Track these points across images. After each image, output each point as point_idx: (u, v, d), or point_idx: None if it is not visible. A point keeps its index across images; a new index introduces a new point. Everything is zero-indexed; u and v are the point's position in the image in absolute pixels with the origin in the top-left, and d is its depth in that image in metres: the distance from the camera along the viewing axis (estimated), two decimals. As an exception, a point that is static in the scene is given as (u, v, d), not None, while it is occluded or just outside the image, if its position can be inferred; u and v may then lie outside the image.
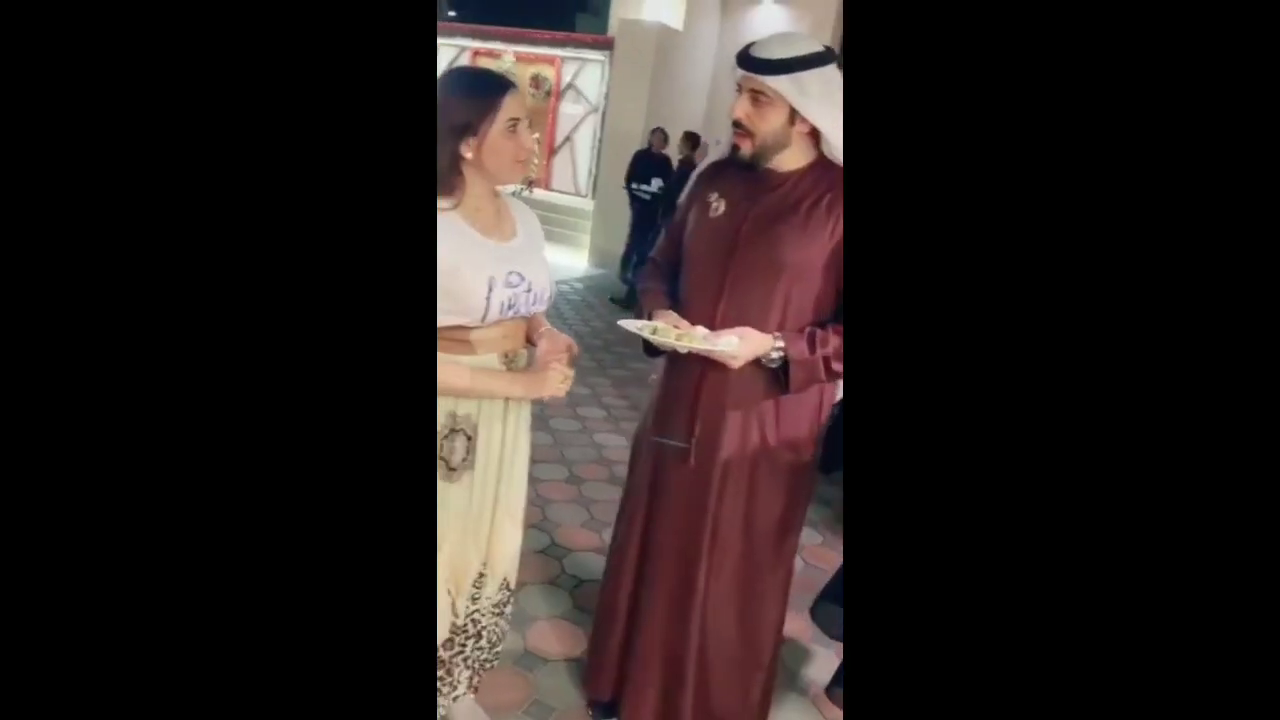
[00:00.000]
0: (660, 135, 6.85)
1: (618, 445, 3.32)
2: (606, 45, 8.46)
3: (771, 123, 1.32)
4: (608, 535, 2.47)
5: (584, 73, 9.22)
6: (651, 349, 1.47)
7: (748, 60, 1.31)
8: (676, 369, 1.48)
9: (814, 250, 1.35)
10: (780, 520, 1.50)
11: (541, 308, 1.34)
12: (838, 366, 1.37)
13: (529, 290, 1.28)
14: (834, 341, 1.36)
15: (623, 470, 2.94)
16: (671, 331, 1.34)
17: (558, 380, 1.29)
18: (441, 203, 1.21)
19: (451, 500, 1.31)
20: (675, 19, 7.80)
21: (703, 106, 8.20)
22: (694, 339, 1.33)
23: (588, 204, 8.65)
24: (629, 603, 1.59)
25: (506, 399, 1.32)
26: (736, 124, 1.35)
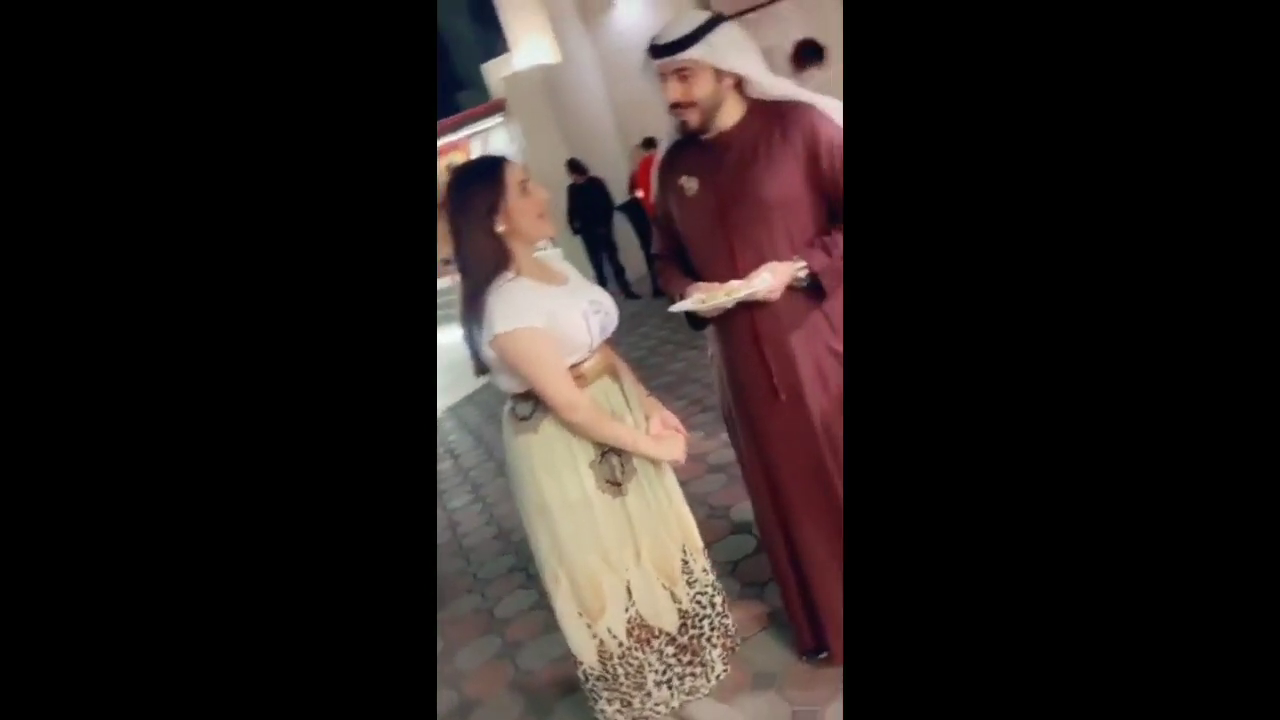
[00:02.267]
0: (577, 165, 7.06)
1: (696, 439, 3.44)
2: (498, 108, 8.66)
3: (703, 87, 1.49)
4: (734, 517, 2.60)
5: (491, 140, 9.42)
6: (697, 322, 1.64)
7: (661, 49, 1.47)
8: (730, 331, 1.62)
9: (789, 179, 1.51)
10: None
11: (615, 324, 1.51)
12: None
13: (608, 313, 1.47)
14: (839, 239, 1.52)
15: (716, 459, 3.06)
16: (719, 294, 1.49)
17: (683, 445, 1.51)
18: (507, 274, 1.37)
19: (633, 510, 1.45)
20: (547, 55, 8.00)
21: (611, 120, 8.38)
22: (736, 291, 1.48)
23: (557, 253, 8.81)
24: (790, 554, 1.72)
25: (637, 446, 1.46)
26: (675, 106, 1.51)
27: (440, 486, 3.96)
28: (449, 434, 4.89)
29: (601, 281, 7.12)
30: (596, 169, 7.29)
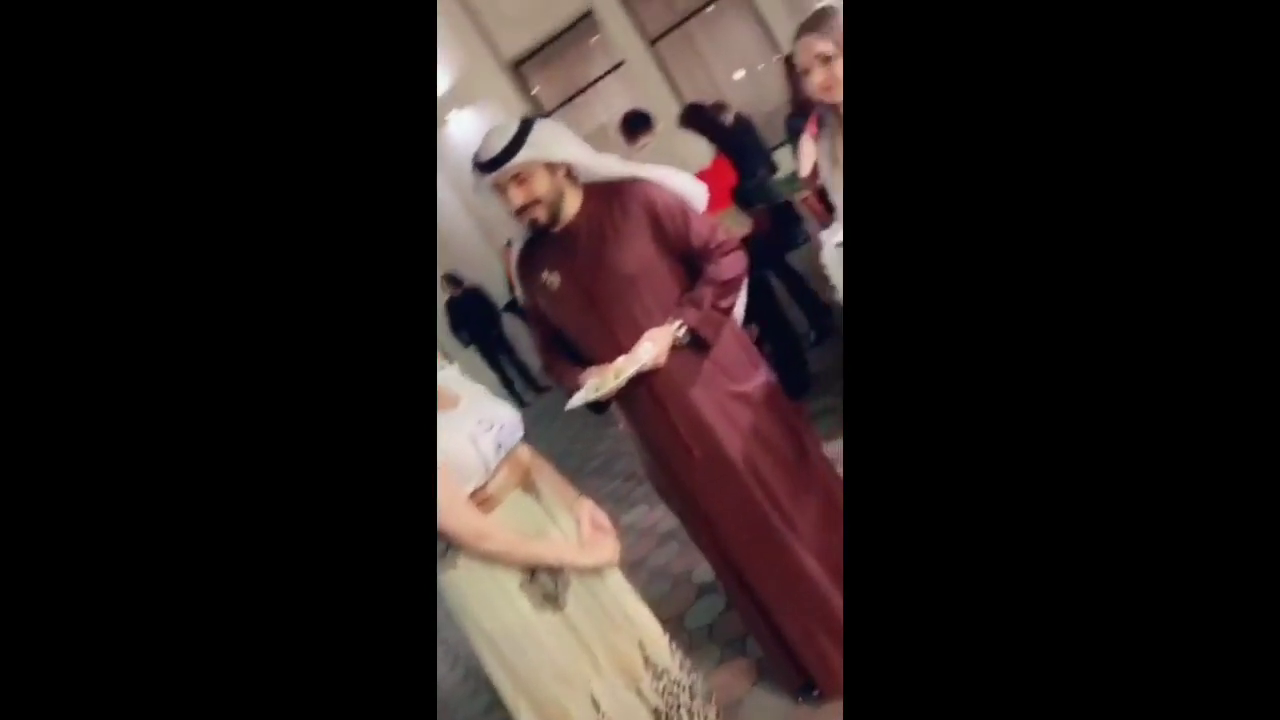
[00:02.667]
0: (452, 278, 7.13)
1: (641, 515, 3.45)
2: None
3: (541, 184, 1.56)
4: (697, 580, 2.61)
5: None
6: (599, 408, 1.68)
7: (491, 163, 1.55)
8: (632, 405, 1.67)
9: (641, 250, 1.60)
10: (793, 438, 1.72)
11: (519, 433, 1.49)
12: (724, 303, 1.63)
13: (504, 425, 1.44)
14: (708, 290, 1.61)
15: (664, 528, 3.06)
16: (609, 378, 1.54)
17: (613, 546, 1.48)
18: None
19: (578, 621, 1.42)
20: (397, 182, 8.07)
21: (473, 226, 8.49)
22: (624, 370, 1.54)
23: (454, 370, 8.71)
24: (752, 599, 1.75)
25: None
26: (521, 210, 1.57)
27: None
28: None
29: (507, 384, 7.10)
30: (472, 277, 7.35)
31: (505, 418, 1.47)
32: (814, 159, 2.98)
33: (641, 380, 1.59)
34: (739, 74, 7.68)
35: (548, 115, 7.40)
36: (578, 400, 1.58)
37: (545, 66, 7.95)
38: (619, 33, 7.35)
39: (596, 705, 1.43)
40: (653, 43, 7.46)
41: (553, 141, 1.57)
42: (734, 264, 1.66)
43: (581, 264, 1.60)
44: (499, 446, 1.42)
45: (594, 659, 1.43)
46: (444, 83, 8.05)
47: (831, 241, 1.74)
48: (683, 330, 1.59)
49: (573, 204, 1.62)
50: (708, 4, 7.50)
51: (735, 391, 1.66)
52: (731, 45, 7.64)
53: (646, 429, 1.69)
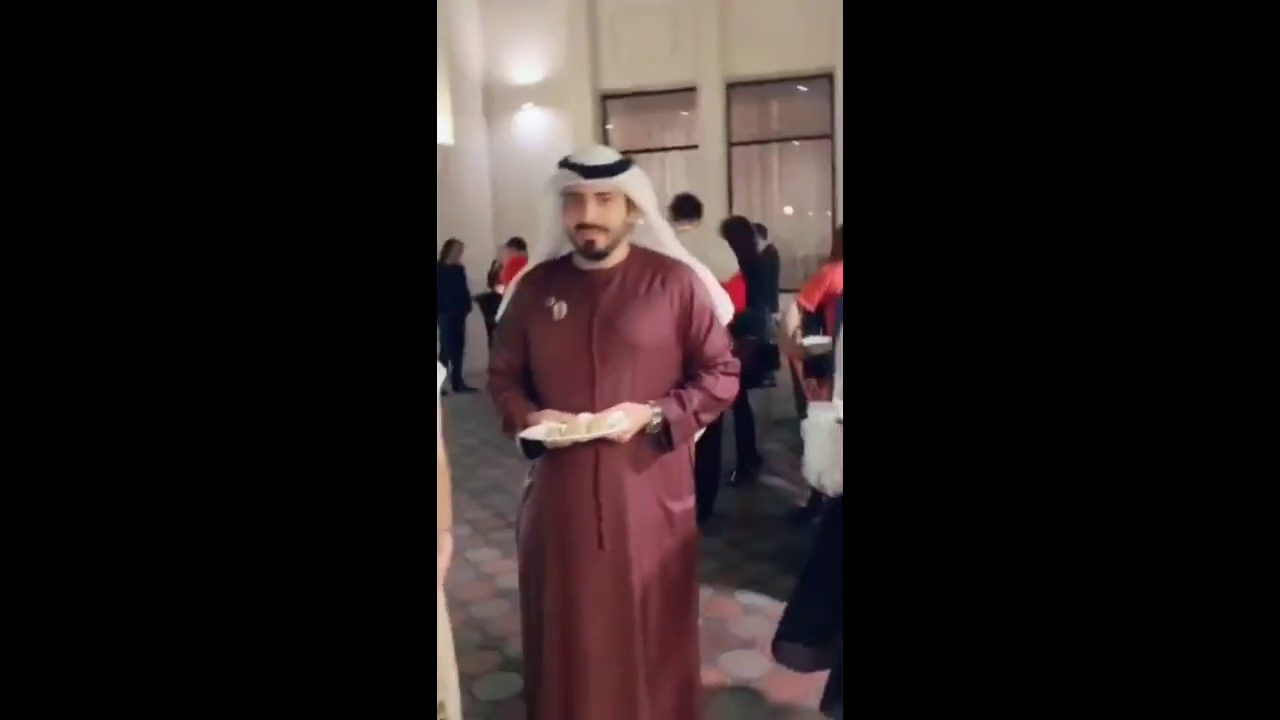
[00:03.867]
0: (458, 247, 6.99)
1: (491, 558, 3.30)
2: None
3: (618, 215, 1.55)
4: (509, 651, 2.47)
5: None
6: (532, 450, 1.58)
7: (589, 169, 1.52)
8: (564, 461, 1.57)
9: (660, 326, 1.57)
10: (684, 566, 1.66)
11: None
12: (705, 417, 1.60)
13: None
14: (697, 397, 1.57)
15: (506, 583, 2.93)
16: (578, 428, 1.48)
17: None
18: None
19: None
20: (445, 136, 8.04)
21: (489, 212, 8.44)
22: (594, 426, 1.47)
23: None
24: (559, 708, 1.61)
25: None
26: (584, 226, 1.53)
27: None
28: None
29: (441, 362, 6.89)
30: (467, 256, 7.24)
31: None
32: (797, 323, 3.08)
33: (590, 447, 1.52)
34: (789, 209, 7.90)
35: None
36: (533, 434, 1.50)
37: (629, 112, 8.09)
38: (708, 120, 7.54)
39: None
40: (731, 145, 7.66)
41: (645, 186, 1.58)
42: (730, 387, 1.64)
43: (597, 309, 1.56)
44: None
45: None
46: (534, 75, 8.15)
47: (827, 416, 1.72)
48: (658, 420, 1.54)
49: (618, 253, 1.60)
50: (795, 139, 7.77)
51: (664, 504, 1.61)
52: (796, 182, 7.89)
53: (565, 496, 1.59)
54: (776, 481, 4.02)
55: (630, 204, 1.56)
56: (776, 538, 3.30)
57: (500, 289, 6.87)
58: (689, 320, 1.59)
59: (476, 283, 7.15)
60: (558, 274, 1.62)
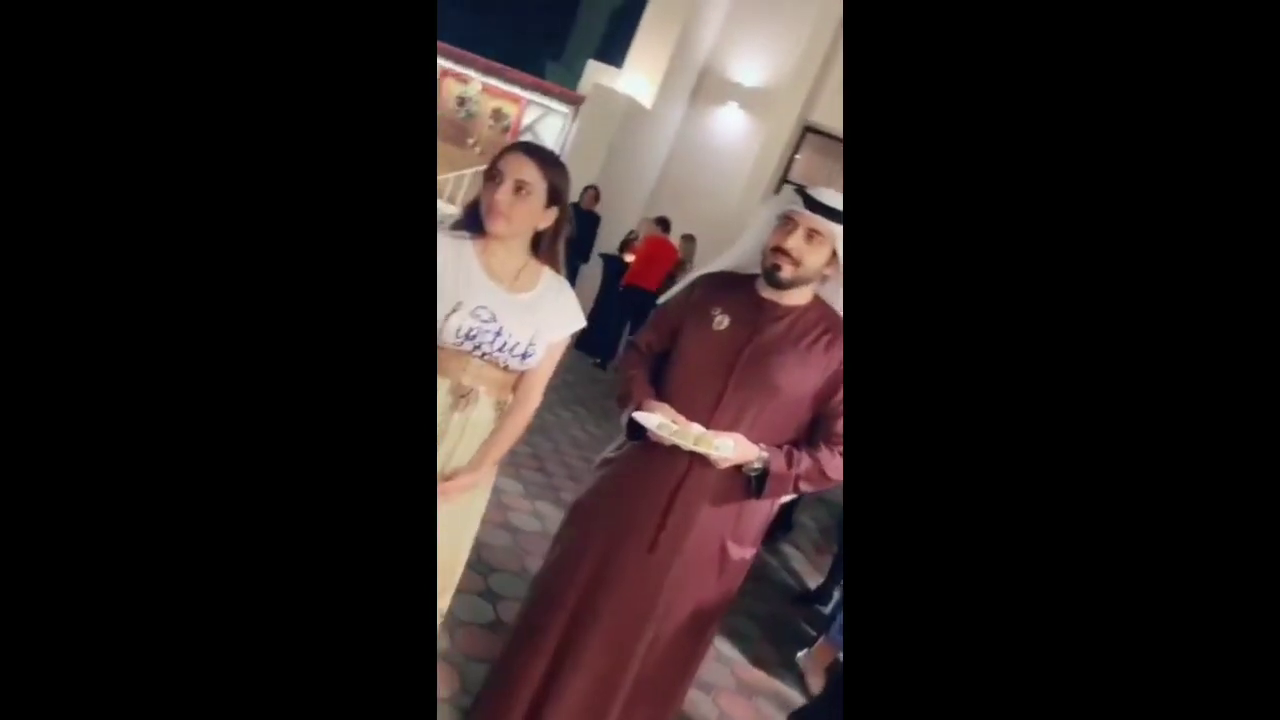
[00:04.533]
0: (593, 193, 7.12)
1: (514, 491, 3.40)
2: (574, 101, 8.73)
3: (818, 258, 1.54)
4: (493, 583, 2.55)
5: (545, 120, 9.43)
6: (634, 432, 1.61)
7: (814, 204, 1.52)
8: (657, 457, 1.58)
9: (808, 381, 1.56)
10: (712, 612, 1.66)
11: (517, 363, 1.45)
12: (805, 486, 1.57)
13: (497, 334, 1.41)
14: (806, 463, 1.55)
15: (516, 519, 3.02)
16: (689, 434, 1.49)
17: (453, 495, 1.45)
18: (463, 234, 1.40)
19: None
20: (646, 98, 8.18)
21: (652, 184, 8.56)
22: (704, 441, 1.48)
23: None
24: (541, 675, 1.63)
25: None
26: (781, 251, 1.53)
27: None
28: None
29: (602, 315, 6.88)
30: (609, 211, 7.37)
31: (513, 336, 1.43)
32: None
33: (689, 457, 1.54)
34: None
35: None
36: (646, 420, 1.52)
37: (821, 151, 8.05)
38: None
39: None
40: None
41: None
42: (839, 469, 1.59)
43: (758, 339, 1.56)
44: (471, 336, 1.39)
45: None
46: (753, 79, 8.18)
47: None
48: (760, 464, 1.54)
49: (798, 297, 1.60)
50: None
51: (726, 545, 1.61)
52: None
53: (640, 486, 1.60)
54: (795, 555, 3.99)
55: (834, 257, 1.55)
56: (774, 604, 3.29)
57: (629, 257, 6.95)
58: (836, 390, 1.57)
59: (606, 243, 7.27)
60: (736, 288, 1.63)
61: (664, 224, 6.85)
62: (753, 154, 8.03)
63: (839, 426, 1.58)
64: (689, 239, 6.94)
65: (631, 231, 7.44)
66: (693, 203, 7.98)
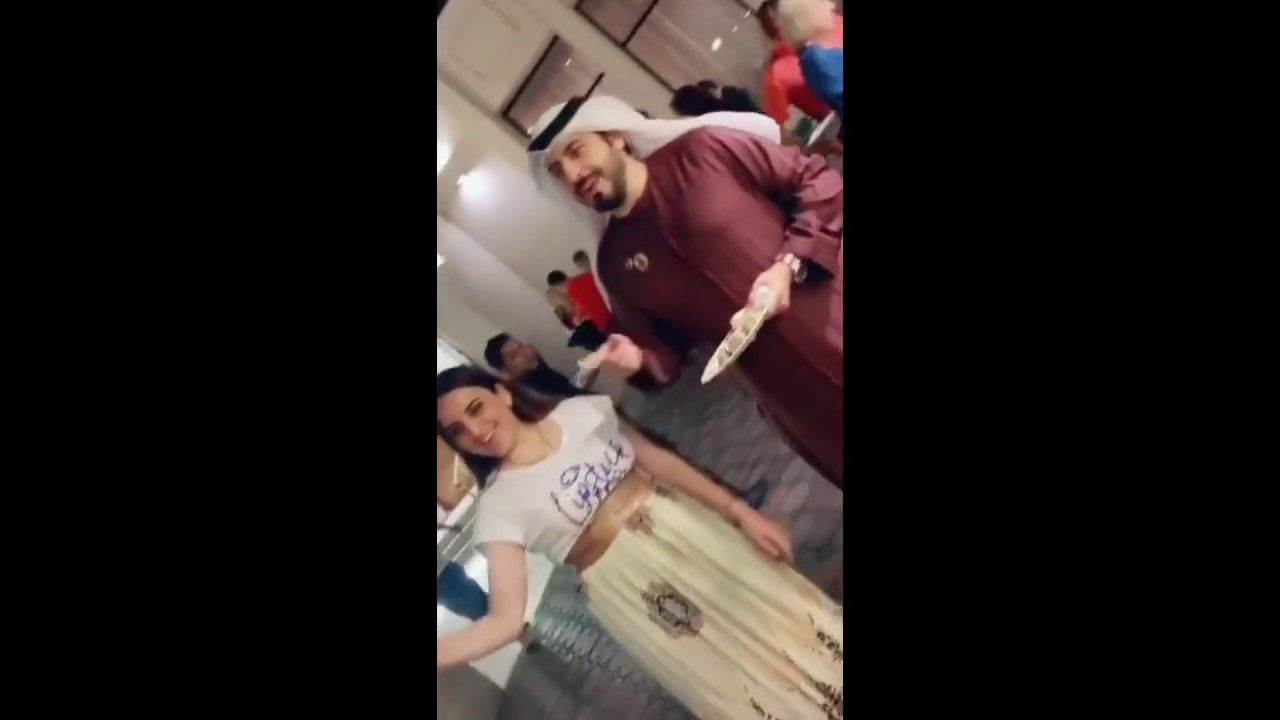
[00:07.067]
0: (514, 347, 7.04)
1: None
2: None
3: (599, 153, 1.47)
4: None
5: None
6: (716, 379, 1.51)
7: (542, 138, 1.49)
8: (765, 365, 1.49)
9: (724, 195, 1.48)
10: None
11: (625, 464, 1.45)
12: (834, 225, 1.46)
13: (591, 470, 1.42)
14: (809, 216, 1.45)
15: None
16: (738, 335, 1.38)
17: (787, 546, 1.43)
18: (492, 475, 1.44)
19: (714, 638, 1.39)
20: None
21: (517, 281, 8.60)
22: (751, 321, 1.37)
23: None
24: None
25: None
26: (580, 184, 1.47)
27: (573, 683, 3.84)
28: (553, 631, 4.78)
29: None
30: (525, 335, 7.36)
31: (598, 458, 1.44)
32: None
33: (770, 332, 1.42)
34: (716, 43, 7.60)
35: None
36: (713, 370, 1.40)
37: (532, 105, 8.02)
38: (589, 47, 7.37)
39: (760, 710, 1.38)
40: (623, 44, 7.45)
41: (603, 111, 1.52)
42: (830, 182, 1.48)
43: (666, 233, 1.49)
44: (585, 493, 1.40)
45: (744, 670, 1.38)
46: (444, 154, 8.22)
47: None
48: (797, 264, 1.42)
49: (637, 179, 1.52)
50: (664, -11, 7.46)
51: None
52: (700, 19, 7.57)
53: (787, 390, 1.52)
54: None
55: (607, 134, 1.50)
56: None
57: (583, 318, 6.90)
58: (740, 165, 1.49)
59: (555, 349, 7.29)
60: (617, 238, 1.58)
61: (556, 276, 6.87)
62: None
63: (781, 170, 1.50)
64: (555, 277, 6.89)
65: (557, 308, 7.45)
66: (553, 253, 7.84)
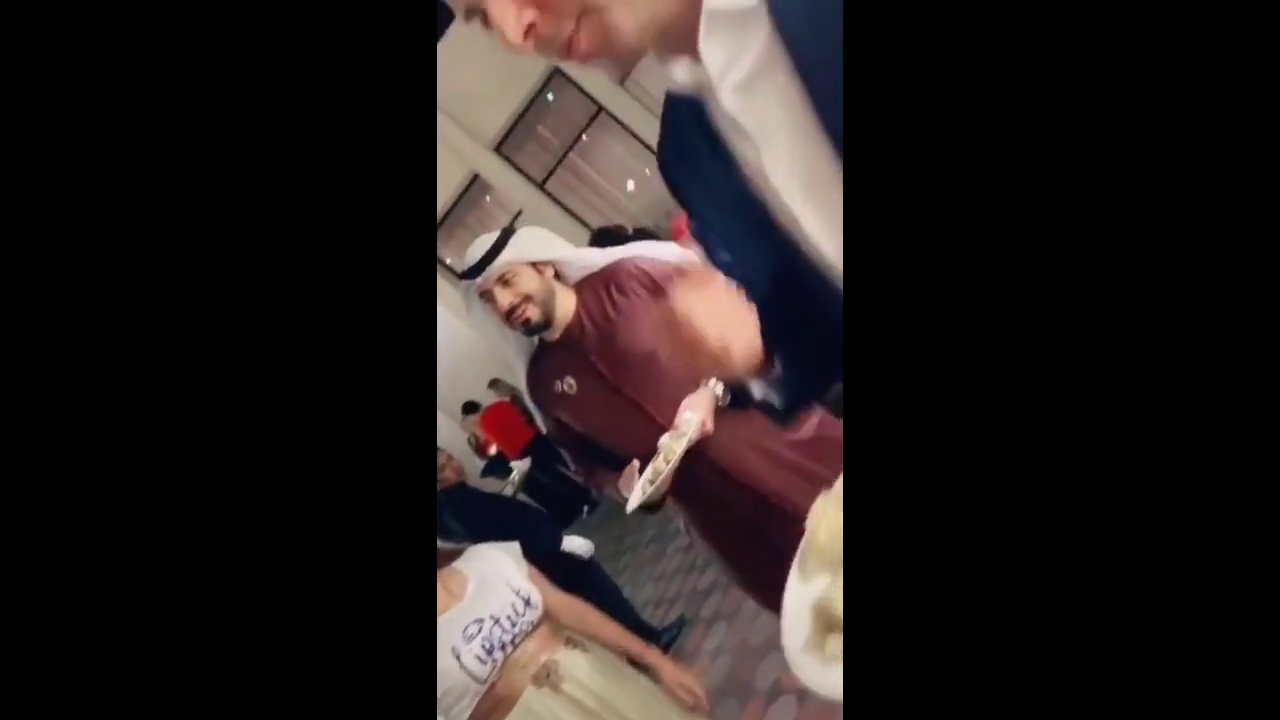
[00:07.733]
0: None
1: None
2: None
3: (529, 282, 1.53)
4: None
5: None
6: (651, 508, 1.51)
7: (477, 266, 1.53)
8: (694, 488, 1.50)
9: (655, 321, 1.50)
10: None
11: (533, 614, 1.40)
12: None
13: (496, 622, 1.36)
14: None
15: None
16: (659, 464, 1.38)
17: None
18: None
19: None
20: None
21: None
22: (673, 448, 1.38)
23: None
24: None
25: None
26: (511, 312, 1.52)
27: None
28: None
29: (563, 508, 6.17)
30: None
31: (505, 607, 1.39)
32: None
33: (697, 456, 1.44)
34: (630, 185, 8.02)
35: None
36: (635, 502, 1.40)
37: (450, 238, 8.16)
38: (507, 187, 7.65)
39: None
40: (541, 185, 7.77)
41: (535, 243, 1.59)
42: None
43: (594, 358, 1.54)
44: (491, 650, 1.34)
45: None
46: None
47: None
48: (720, 388, 1.46)
49: (567, 305, 1.58)
50: (579, 136, 7.91)
51: (793, 440, 1.49)
52: (614, 162, 8.01)
53: (718, 509, 1.52)
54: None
55: (537, 264, 1.56)
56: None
57: (491, 450, 6.74)
58: (663, 294, 1.51)
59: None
60: (546, 361, 1.61)
61: (471, 407, 6.76)
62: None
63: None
64: (469, 407, 6.83)
65: (470, 437, 7.28)
66: (471, 369, 7.77)
